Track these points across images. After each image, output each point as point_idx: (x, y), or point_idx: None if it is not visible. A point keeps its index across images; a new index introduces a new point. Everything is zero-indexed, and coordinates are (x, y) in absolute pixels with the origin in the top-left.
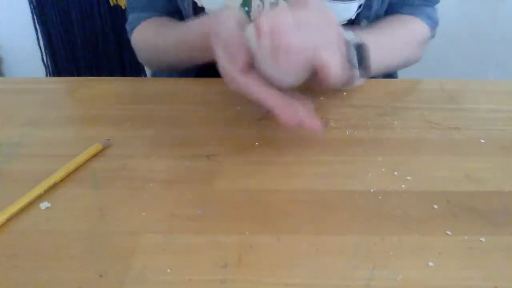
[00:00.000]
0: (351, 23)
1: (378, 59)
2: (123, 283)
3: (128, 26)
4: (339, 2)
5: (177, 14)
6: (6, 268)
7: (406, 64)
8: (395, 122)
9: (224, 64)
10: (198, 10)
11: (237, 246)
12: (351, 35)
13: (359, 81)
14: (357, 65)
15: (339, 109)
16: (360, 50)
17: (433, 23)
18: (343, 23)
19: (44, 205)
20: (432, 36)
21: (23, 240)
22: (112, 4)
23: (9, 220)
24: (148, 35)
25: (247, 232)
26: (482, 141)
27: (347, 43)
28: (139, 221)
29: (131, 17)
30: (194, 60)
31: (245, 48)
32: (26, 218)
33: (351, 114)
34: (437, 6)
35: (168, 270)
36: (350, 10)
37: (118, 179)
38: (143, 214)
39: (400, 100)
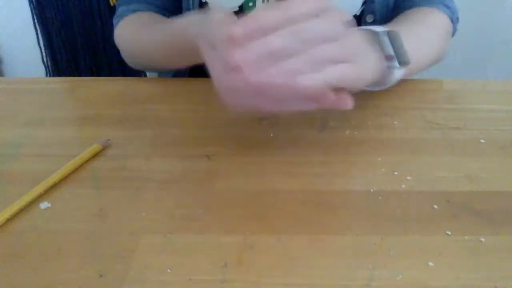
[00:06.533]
0: (357, 20)
1: (412, 52)
2: (123, 283)
3: (114, 20)
4: None
5: (171, 13)
6: (6, 268)
7: (434, 61)
8: (395, 122)
9: (216, 68)
10: (204, 8)
11: (237, 246)
12: (377, 27)
13: (398, 74)
14: (393, 53)
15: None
16: (391, 37)
17: (452, 14)
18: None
19: (44, 205)
20: (454, 32)
21: (23, 240)
22: (112, 4)
23: (9, 220)
24: (131, 30)
25: (247, 232)
26: (482, 141)
27: (375, 34)
28: (139, 221)
29: (119, 10)
30: (178, 63)
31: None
32: (26, 218)
33: (351, 114)
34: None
35: (168, 270)
36: (355, 5)
37: (118, 179)
38: (143, 214)
39: (400, 100)
